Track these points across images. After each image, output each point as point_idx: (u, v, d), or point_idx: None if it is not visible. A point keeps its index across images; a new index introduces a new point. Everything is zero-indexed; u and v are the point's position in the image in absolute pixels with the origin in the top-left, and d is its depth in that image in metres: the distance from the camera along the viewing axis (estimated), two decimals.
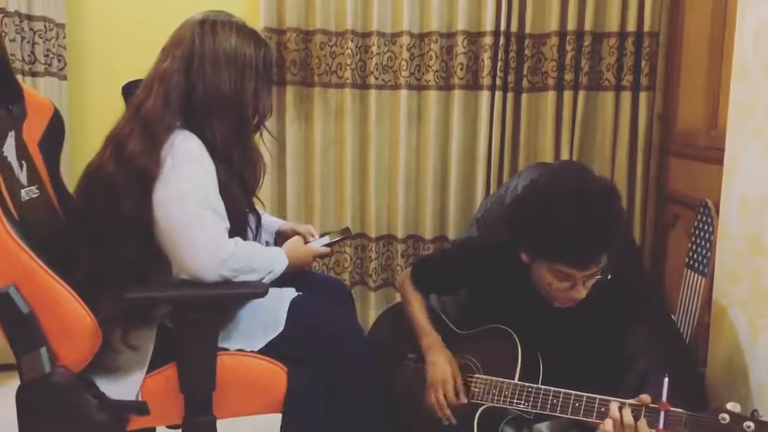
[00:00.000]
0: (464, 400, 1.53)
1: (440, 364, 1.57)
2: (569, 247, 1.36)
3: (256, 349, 1.45)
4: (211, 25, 1.46)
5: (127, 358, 1.41)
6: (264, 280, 1.44)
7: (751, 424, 1.18)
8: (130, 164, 1.36)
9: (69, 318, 1.32)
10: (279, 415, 1.45)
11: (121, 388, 1.38)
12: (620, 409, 1.28)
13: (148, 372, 1.40)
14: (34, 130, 1.51)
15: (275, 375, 1.44)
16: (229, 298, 1.44)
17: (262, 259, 1.45)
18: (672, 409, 1.25)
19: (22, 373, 1.32)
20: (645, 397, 1.28)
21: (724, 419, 1.20)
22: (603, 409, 1.32)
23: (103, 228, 1.38)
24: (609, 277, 1.46)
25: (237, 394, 1.43)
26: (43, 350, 1.30)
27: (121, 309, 1.38)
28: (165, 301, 1.41)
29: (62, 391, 1.32)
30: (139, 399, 1.38)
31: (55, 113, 1.59)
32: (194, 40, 1.44)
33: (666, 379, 1.26)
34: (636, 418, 1.26)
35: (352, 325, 1.56)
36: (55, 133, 1.58)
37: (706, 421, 1.22)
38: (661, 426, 1.24)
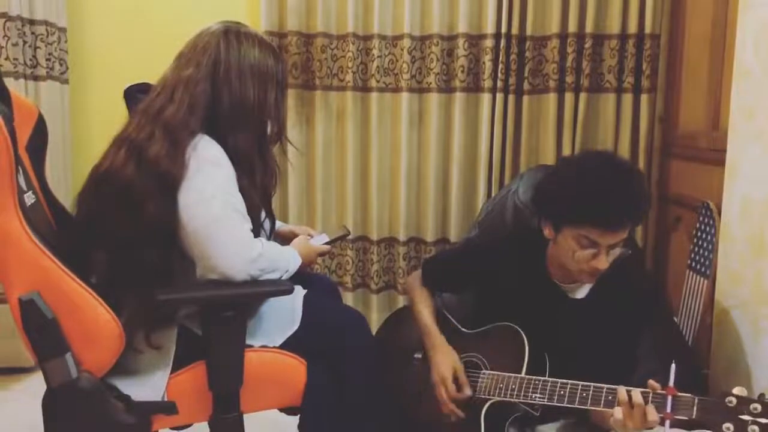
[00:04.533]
0: (467, 392, 1.54)
1: (441, 362, 1.59)
2: (601, 207, 1.40)
3: (277, 345, 1.49)
4: (235, 35, 1.47)
5: (149, 360, 1.42)
6: (282, 279, 1.48)
7: (758, 406, 1.19)
8: (152, 168, 1.36)
9: (94, 323, 1.32)
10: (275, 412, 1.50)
11: (145, 389, 1.39)
12: (629, 392, 1.29)
13: (171, 372, 1.41)
14: (21, 133, 1.48)
15: (295, 369, 1.47)
16: (259, 296, 1.49)
17: (281, 259, 1.49)
18: (679, 394, 1.26)
19: (48, 379, 1.31)
20: (653, 384, 1.29)
21: (731, 402, 1.21)
22: (611, 398, 1.34)
23: (122, 231, 1.38)
24: (629, 252, 1.50)
25: (262, 388, 1.47)
26: (69, 356, 1.30)
27: (145, 311, 1.38)
28: (201, 302, 1.42)
29: (89, 396, 1.33)
30: (165, 399, 1.40)
31: (40, 116, 1.57)
32: (220, 48, 1.45)
33: (673, 365, 1.27)
34: (645, 402, 1.27)
35: (357, 318, 1.59)
36: (40, 136, 1.56)
37: (713, 405, 1.22)
38: (668, 410, 1.26)
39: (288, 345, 1.49)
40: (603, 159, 1.50)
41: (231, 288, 1.40)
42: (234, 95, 1.44)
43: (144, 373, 1.41)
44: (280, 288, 1.45)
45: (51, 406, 1.33)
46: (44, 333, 1.29)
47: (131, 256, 1.38)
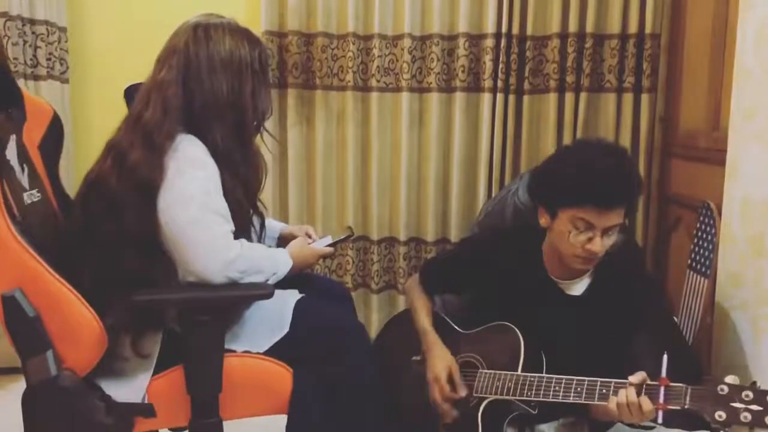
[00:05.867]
0: (461, 393, 1.54)
1: (435, 363, 1.59)
2: (596, 185, 1.43)
3: (262, 351, 1.46)
4: (204, 29, 1.46)
5: (132, 362, 1.41)
6: (269, 282, 1.45)
7: (750, 394, 1.19)
8: (132, 176, 1.36)
9: (75, 321, 1.32)
10: (281, 417, 1.45)
11: (127, 390, 1.39)
12: (623, 389, 1.31)
13: (153, 374, 1.40)
14: (34, 133, 1.51)
15: (281, 376, 1.44)
16: (235, 299, 1.45)
17: (267, 261, 1.46)
18: (671, 384, 1.28)
19: (28, 376, 1.32)
20: (643, 374, 1.31)
21: (723, 390, 1.21)
22: (605, 391, 1.35)
23: (107, 238, 1.39)
24: (624, 238, 1.53)
25: (243, 395, 1.44)
26: (50, 353, 1.30)
27: (131, 315, 1.38)
28: (173, 304, 1.41)
29: (69, 395, 1.32)
30: (146, 401, 1.39)
31: (55, 116, 1.60)
32: (188, 47, 1.44)
33: (665, 357, 1.28)
34: (638, 394, 1.29)
35: (354, 325, 1.56)
36: (54, 136, 1.59)
37: (705, 393, 1.23)
38: (661, 401, 1.27)
39: (275, 351, 1.45)
40: (596, 143, 1.55)
41: (206, 291, 1.37)
42: (206, 92, 1.43)
43: (127, 374, 1.40)
44: (258, 292, 1.41)
45: (30, 404, 1.32)
46: (26, 330, 1.29)
47: (118, 259, 1.38)
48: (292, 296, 1.53)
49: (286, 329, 1.46)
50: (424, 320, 1.70)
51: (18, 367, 1.34)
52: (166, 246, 1.38)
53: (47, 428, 1.35)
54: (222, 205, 1.40)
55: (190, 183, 1.37)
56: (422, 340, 1.67)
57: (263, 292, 1.41)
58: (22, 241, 1.29)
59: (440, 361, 1.59)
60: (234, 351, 1.44)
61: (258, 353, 1.45)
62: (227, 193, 1.42)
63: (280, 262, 1.49)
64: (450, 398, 1.55)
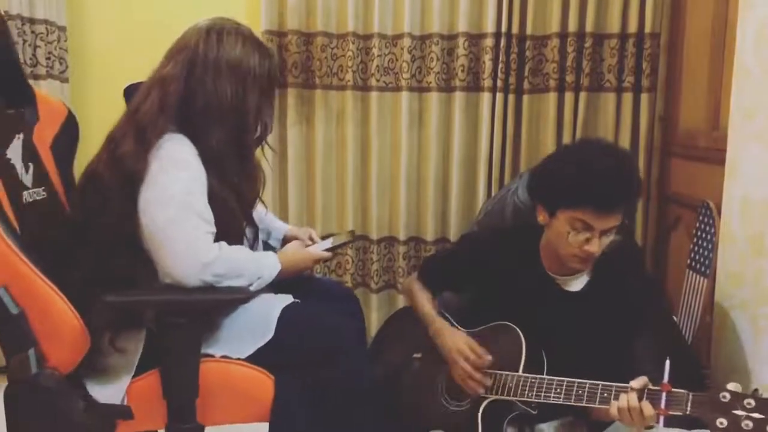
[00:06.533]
0: (488, 358, 1.53)
1: (450, 339, 1.58)
2: (596, 188, 1.42)
3: (243, 356, 1.41)
4: (217, 32, 1.44)
5: (115, 362, 1.39)
6: (252, 286, 1.41)
7: (752, 401, 1.18)
8: (119, 166, 1.36)
9: (57, 320, 1.31)
10: (265, 424, 1.43)
11: (108, 391, 1.37)
12: (624, 393, 1.31)
13: (135, 376, 1.39)
14: (46, 133, 1.52)
15: (261, 383, 1.41)
16: (211, 303, 1.40)
17: (250, 264, 1.42)
18: (673, 390, 1.27)
19: (11, 374, 1.32)
20: (644, 379, 1.31)
21: (724, 397, 1.20)
22: (606, 395, 1.35)
23: (96, 233, 1.38)
24: (621, 239, 1.53)
25: (222, 401, 1.41)
26: (32, 351, 1.30)
27: (110, 314, 1.36)
28: (147, 306, 1.38)
29: (48, 393, 1.31)
30: (125, 403, 1.37)
31: (69, 116, 1.60)
32: (199, 46, 1.42)
33: (667, 362, 1.28)
34: (639, 399, 1.29)
35: (349, 331, 1.51)
36: (68, 135, 1.59)
37: (706, 400, 1.23)
38: (662, 406, 1.26)
39: (259, 357, 1.41)
40: (598, 144, 1.55)
41: (181, 294, 1.35)
42: (208, 94, 1.41)
43: (109, 375, 1.39)
44: (234, 296, 1.38)
45: (10, 401, 1.32)
46: (9, 327, 1.29)
47: (102, 258, 1.37)
48: (282, 301, 1.47)
49: (270, 335, 1.41)
50: (428, 309, 1.69)
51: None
52: (146, 246, 1.36)
53: (28, 426, 1.35)
54: (204, 207, 1.37)
55: (172, 183, 1.35)
56: (428, 326, 1.66)
57: (239, 296, 1.38)
58: (8, 241, 1.28)
59: (455, 338, 1.58)
60: (212, 356, 1.41)
61: (239, 359, 1.41)
62: (215, 200, 1.39)
63: (266, 265, 1.45)
64: (481, 365, 1.52)
